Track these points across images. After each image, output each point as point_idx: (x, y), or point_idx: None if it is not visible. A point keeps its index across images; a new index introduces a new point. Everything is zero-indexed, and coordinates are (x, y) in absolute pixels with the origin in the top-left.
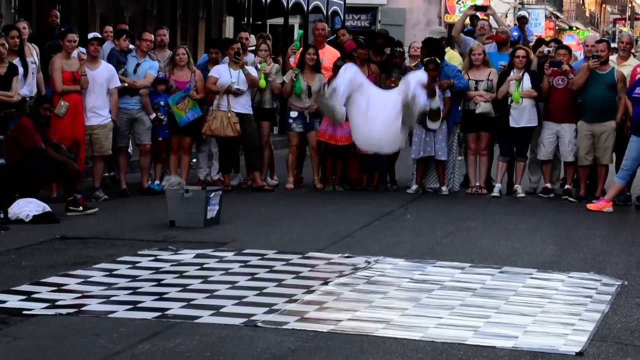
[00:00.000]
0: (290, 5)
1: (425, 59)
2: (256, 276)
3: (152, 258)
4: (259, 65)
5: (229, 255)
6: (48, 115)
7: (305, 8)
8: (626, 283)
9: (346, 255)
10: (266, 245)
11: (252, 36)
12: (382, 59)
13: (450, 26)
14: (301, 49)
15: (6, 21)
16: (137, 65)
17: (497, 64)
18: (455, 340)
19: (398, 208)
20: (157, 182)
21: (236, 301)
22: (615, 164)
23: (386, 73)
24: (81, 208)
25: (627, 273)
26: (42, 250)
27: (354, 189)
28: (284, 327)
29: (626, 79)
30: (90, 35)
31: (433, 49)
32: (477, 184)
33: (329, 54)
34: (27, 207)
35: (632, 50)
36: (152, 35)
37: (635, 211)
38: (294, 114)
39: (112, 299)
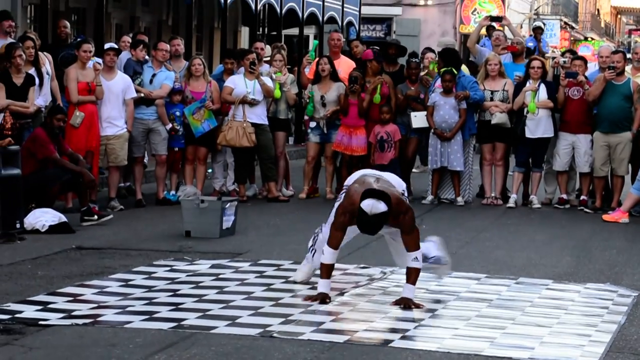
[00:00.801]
0: (305, 16)
1: (442, 70)
2: (272, 287)
3: (168, 268)
4: (273, 76)
5: (245, 265)
6: (62, 125)
7: (321, 18)
8: None
9: (362, 265)
10: (282, 256)
11: (268, 46)
12: (395, 70)
13: (465, 37)
14: (316, 59)
15: (21, 31)
16: (153, 75)
17: (513, 74)
18: (471, 351)
19: None
20: (172, 192)
21: (252, 312)
22: (631, 175)
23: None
24: (96, 217)
25: None
26: (58, 260)
27: None
28: (299, 337)
29: None
30: (107, 46)
31: (450, 59)
32: (493, 194)
33: (344, 65)
34: (42, 217)
35: None
36: (168, 45)
37: None
38: (312, 124)
39: (128, 309)
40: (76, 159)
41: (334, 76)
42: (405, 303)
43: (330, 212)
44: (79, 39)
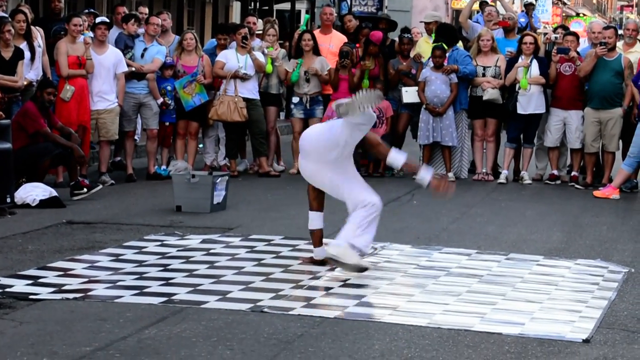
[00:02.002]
0: None
1: (433, 45)
2: (262, 262)
3: (159, 243)
4: (265, 50)
5: (236, 240)
6: (52, 99)
7: None
8: (633, 270)
9: None
10: (273, 231)
11: (260, 21)
12: (386, 44)
13: (457, 12)
14: (296, 34)
15: (12, 5)
16: (145, 49)
17: (504, 50)
18: (461, 326)
19: (404, 194)
20: (163, 167)
21: (242, 287)
22: (622, 151)
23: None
24: (85, 190)
25: (633, 260)
26: (49, 234)
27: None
28: (290, 312)
29: (633, 66)
30: (98, 20)
31: (446, 34)
32: (484, 170)
33: (336, 40)
34: (33, 192)
35: (638, 37)
36: (160, 20)
37: None
38: (295, 99)
39: (119, 283)
40: (67, 133)
41: (315, 51)
42: (441, 184)
43: None
44: (85, 11)
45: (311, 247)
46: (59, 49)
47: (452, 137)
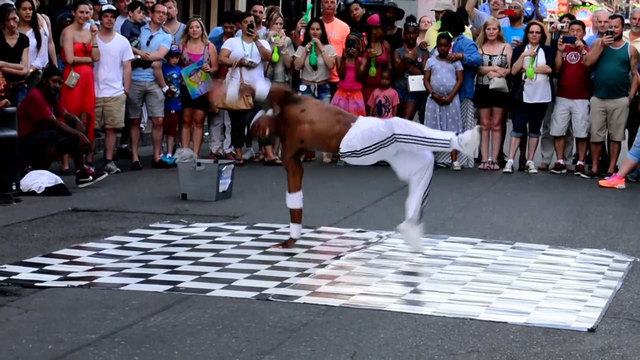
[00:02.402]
0: None
1: (438, 33)
2: (268, 250)
3: (164, 231)
4: (272, 39)
5: (241, 228)
6: (58, 87)
7: None
8: (638, 260)
9: (358, 229)
10: (278, 219)
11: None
12: (393, 33)
13: (463, 1)
14: (300, 23)
15: None
16: (150, 37)
17: (510, 38)
18: (467, 315)
19: None
20: (169, 155)
21: (248, 275)
22: (628, 141)
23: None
24: (91, 178)
25: (639, 250)
26: (54, 222)
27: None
28: (295, 301)
29: (639, 55)
30: (105, 7)
31: (452, 23)
32: (490, 159)
33: (337, 28)
34: (39, 179)
35: None
36: (165, 7)
37: None
38: (303, 87)
39: (124, 271)
40: (73, 121)
41: (324, 40)
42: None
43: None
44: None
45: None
46: (65, 36)
47: (458, 126)
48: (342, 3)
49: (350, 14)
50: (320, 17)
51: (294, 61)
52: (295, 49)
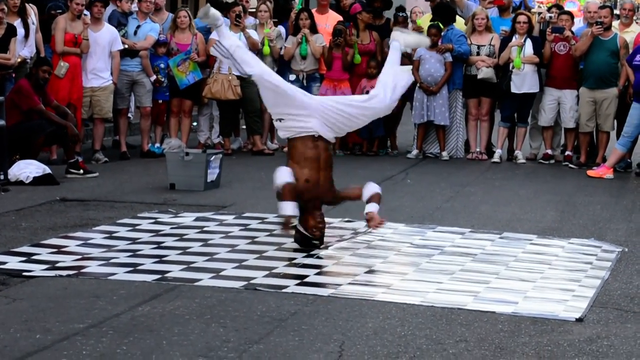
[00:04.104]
0: None
1: (429, 24)
2: (256, 240)
3: (152, 221)
4: (264, 33)
5: (229, 218)
6: (47, 77)
7: None
8: (626, 250)
9: (346, 219)
10: (266, 209)
11: None
12: (381, 23)
13: None
14: (293, 13)
15: None
16: (138, 27)
17: (499, 28)
18: (455, 305)
19: (398, 173)
20: (157, 144)
21: (236, 264)
22: (617, 131)
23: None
24: (82, 171)
25: (627, 240)
26: (42, 211)
27: (354, 154)
28: (283, 290)
29: (629, 46)
30: None
31: (443, 13)
32: (478, 149)
33: (332, 19)
34: (27, 169)
35: (634, 17)
36: None
37: (635, 178)
38: (292, 77)
39: (112, 261)
40: (63, 112)
41: (313, 29)
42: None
43: None
44: None
45: None
46: (57, 24)
47: (445, 117)
48: None
49: (340, 4)
50: (311, 8)
51: (282, 51)
52: (286, 39)
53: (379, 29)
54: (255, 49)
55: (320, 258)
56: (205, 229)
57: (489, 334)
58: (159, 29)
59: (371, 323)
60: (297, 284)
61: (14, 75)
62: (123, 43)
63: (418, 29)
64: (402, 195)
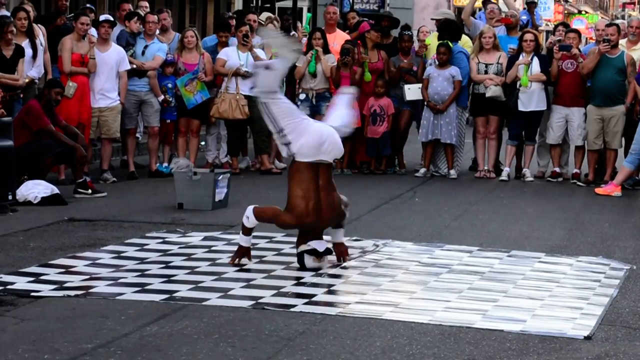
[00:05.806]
0: None
1: (438, 42)
2: (264, 259)
3: (160, 240)
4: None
5: (237, 238)
6: (59, 99)
7: None
8: (635, 267)
9: (354, 238)
10: (274, 228)
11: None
12: (389, 42)
13: (459, 10)
14: (300, 33)
15: (15, 2)
16: (146, 47)
17: (506, 47)
18: (463, 323)
19: (406, 191)
20: (165, 164)
21: (244, 284)
22: (624, 149)
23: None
24: (90, 191)
25: (635, 257)
26: (50, 232)
27: (362, 173)
28: (291, 309)
29: (636, 63)
30: (102, 18)
31: (449, 31)
32: (486, 167)
33: (339, 39)
34: (35, 189)
35: None
36: (156, 17)
37: None
38: (302, 96)
39: (120, 281)
40: (73, 133)
41: (325, 49)
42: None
43: None
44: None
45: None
46: (64, 45)
47: (451, 135)
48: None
49: (347, 23)
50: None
51: (295, 70)
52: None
53: (386, 48)
54: None
55: (329, 277)
56: (213, 248)
57: (497, 353)
58: (166, 49)
59: (379, 342)
60: (305, 303)
61: (22, 95)
62: (131, 63)
63: (422, 49)
64: (410, 213)
